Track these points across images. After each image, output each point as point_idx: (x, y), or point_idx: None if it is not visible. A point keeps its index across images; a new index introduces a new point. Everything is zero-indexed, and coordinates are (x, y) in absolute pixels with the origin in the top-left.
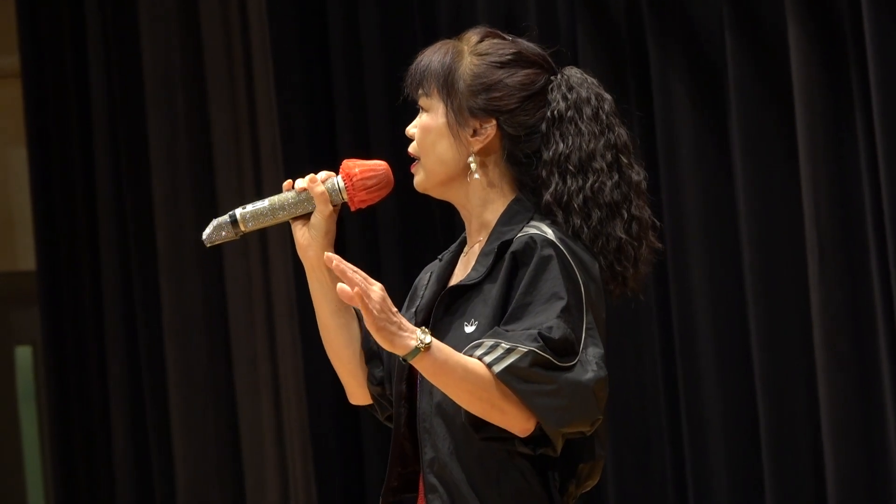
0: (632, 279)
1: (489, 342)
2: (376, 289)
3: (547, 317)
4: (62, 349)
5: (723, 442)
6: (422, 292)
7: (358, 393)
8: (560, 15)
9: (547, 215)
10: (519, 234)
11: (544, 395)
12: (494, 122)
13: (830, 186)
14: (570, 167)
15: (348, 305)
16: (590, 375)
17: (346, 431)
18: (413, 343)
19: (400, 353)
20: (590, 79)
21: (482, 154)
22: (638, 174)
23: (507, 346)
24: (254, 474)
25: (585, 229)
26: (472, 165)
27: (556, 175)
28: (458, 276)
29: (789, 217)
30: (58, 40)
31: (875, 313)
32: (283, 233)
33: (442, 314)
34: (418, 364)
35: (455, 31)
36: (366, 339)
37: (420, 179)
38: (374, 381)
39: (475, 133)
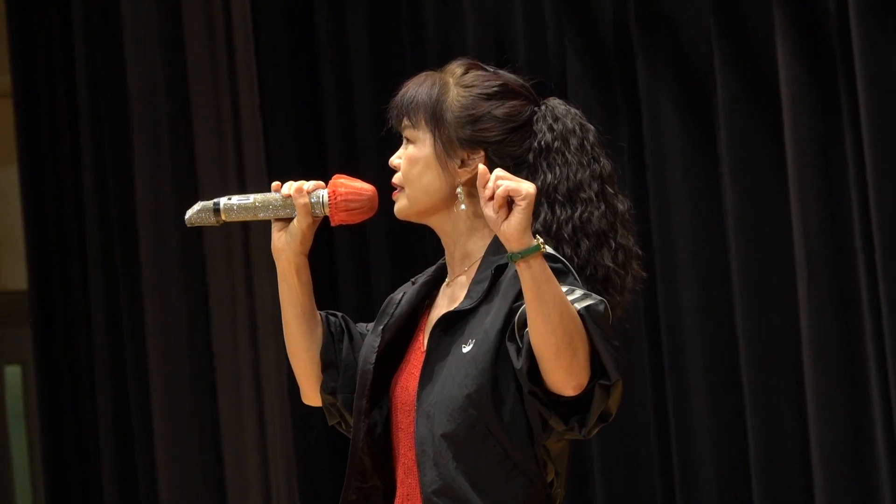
0: (618, 307)
1: (564, 287)
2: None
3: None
4: (54, 368)
5: (712, 458)
6: (391, 310)
7: (311, 395)
8: (548, 31)
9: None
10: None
11: (611, 346)
12: (482, 153)
13: (819, 203)
14: (559, 197)
15: (314, 312)
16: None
17: (331, 454)
18: (535, 242)
19: (523, 244)
20: (573, 109)
21: (468, 185)
22: (623, 204)
23: (584, 291)
24: (237, 495)
25: (576, 259)
26: (461, 196)
27: (545, 205)
28: (441, 306)
29: (778, 233)
30: (49, 60)
31: (864, 329)
32: (268, 254)
33: (437, 339)
34: (528, 265)
35: (443, 51)
36: (325, 347)
37: (402, 206)
38: (326, 390)
39: (462, 164)
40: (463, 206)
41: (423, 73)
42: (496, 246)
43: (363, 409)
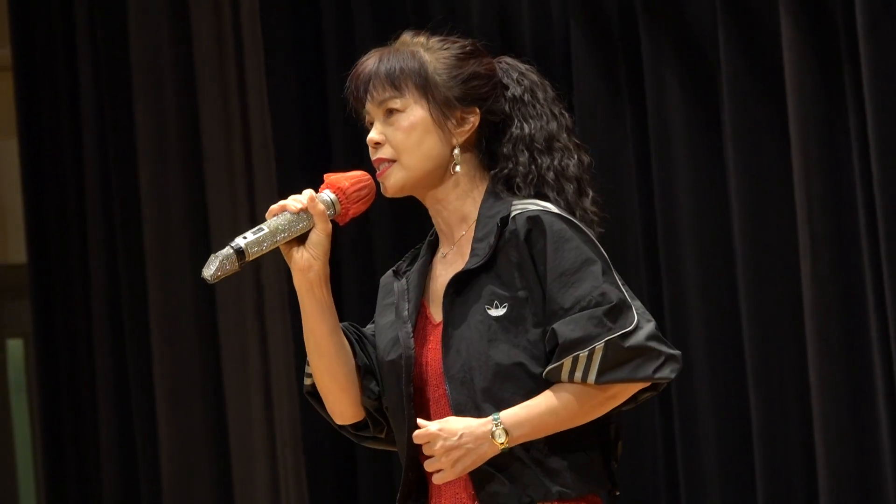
0: None
1: (567, 361)
2: (433, 428)
3: (589, 284)
4: (53, 342)
5: (714, 436)
6: (407, 297)
7: (349, 411)
8: (553, 8)
9: (521, 193)
10: (517, 212)
11: (643, 364)
12: (477, 110)
13: (823, 181)
14: (537, 146)
15: (338, 322)
16: (652, 324)
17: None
18: (499, 442)
19: (491, 448)
20: (527, 65)
21: (462, 146)
22: (587, 156)
23: (586, 353)
24: (242, 469)
25: (562, 202)
26: (457, 157)
27: (526, 153)
28: (444, 275)
29: (782, 212)
30: (49, 33)
31: (867, 308)
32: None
33: (451, 301)
34: (511, 436)
35: (448, 25)
36: (358, 354)
37: (399, 178)
38: (372, 396)
39: (458, 124)
40: (458, 168)
41: (375, 50)
42: (490, 202)
43: (411, 394)
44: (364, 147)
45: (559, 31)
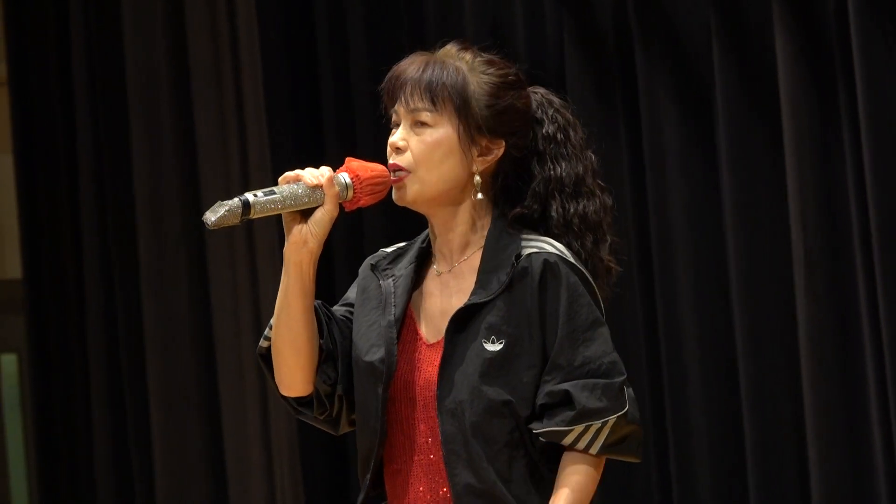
0: (606, 300)
1: (579, 428)
2: None
3: (600, 347)
4: (47, 357)
5: (708, 451)
6: (393, 300)
7: (298, 386)
8: (547, 23)
9: (538, 230)
10: (532, 250)
11: (630, 442)
12: (503, 143)
13: (817, 197)
14: (567, 190)
15: (313, 304)
16: (631, 390)
17: (334, 444)
18: None
19: None
20: (562, 101)
21: (483, 174)
22: (609, 197)
23: (599, 424)
24: (239, 484)
25: (582, 252)
26: (478, 185)
27: (558, 198)
28: (435, 294)
29: (776, 227)
30: (45, 48)
31: (861, 323)
32: (272, 240)
33: (453, 333)
34: None
35: (441, 37)
36: (324, 337)
37: (414, 191)
38: (327, 382)
39: (481, 153)
40: (480, 195)
41: (424, 55)
42: (496, 233)
43: (387, 399)
44: (357, 155)
45: (554, 47)
